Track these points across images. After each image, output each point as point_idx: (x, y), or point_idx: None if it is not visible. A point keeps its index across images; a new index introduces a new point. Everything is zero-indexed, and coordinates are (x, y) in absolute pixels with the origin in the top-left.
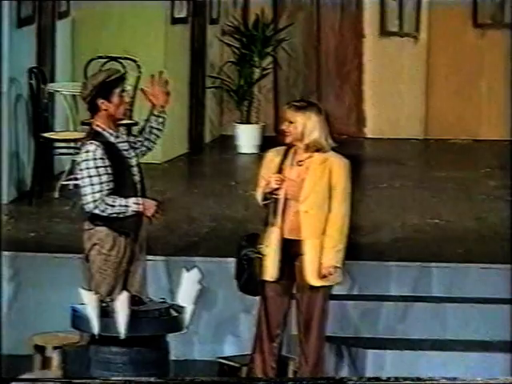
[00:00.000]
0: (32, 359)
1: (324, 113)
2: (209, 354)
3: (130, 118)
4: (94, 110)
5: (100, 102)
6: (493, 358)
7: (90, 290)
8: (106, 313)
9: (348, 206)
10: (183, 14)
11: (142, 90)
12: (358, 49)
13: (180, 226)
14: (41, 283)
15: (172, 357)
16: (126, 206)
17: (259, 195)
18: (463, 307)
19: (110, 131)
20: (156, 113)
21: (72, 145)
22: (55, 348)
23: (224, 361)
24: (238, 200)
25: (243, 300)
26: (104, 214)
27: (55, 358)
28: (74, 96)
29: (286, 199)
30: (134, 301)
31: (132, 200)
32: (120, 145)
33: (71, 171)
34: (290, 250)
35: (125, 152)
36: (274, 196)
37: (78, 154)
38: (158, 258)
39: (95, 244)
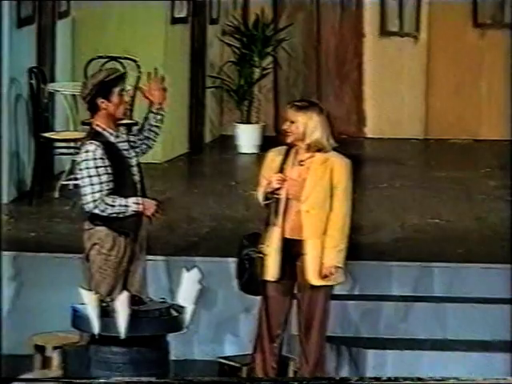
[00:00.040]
0: (32, 359)
1: (325, 113)
2: (209, 353)
3: (130, 117)
4: (93, 109)
5: (100, 101)
6: (493, 358)
7: (90, 290)
8: (106, 313)
9: (349, 205)
10: (183, 14)
11: (139, 88)
12: (358, 49)
13: (180, 226)
14: (41, 283)
15: (172, 357)
16: (126, 205)
17: (260, 195)
18: (463, 307)
19: (110, 131)
20: (154, 110)
21: (72, 145)
22: (55, 348)
23: (224, 361)
24: (238, 200)
25: (243, 300)
26: (104, 214)
27: (55, 357)
28: (74, 96)
29: (287, 199)
30: (134, 300)
31: (132, 200)
32: (120, 145)
33: (71, 171)
34: (292, 250)
35: (125, 152)
36: (275, 196)
37: (78, 153)
38: (158, 257)
39: (95, 244)
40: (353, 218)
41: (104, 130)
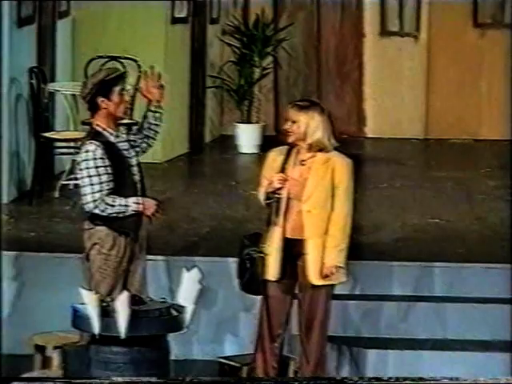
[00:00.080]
0: (32, 359)
1: (327, 112)
2: (209, 353)
3: (131, 117)
4: (94, 109)
5: (100, 100)
6: (494, 358)
7: (90, 290)
8: (106, 312)
9: (350, 205)
10: (183, 14)
11: (138, 88)
12: (359, 48)
13: (180, 226)
14: (41, 283)
15: (172, 356)
16: (126, 205)
17: (262, 195)
18: (464, 307)
19: (110, 131)
20: (152, 108)
21: (72, 144)
22: (55, 348)
23: (224, 360)
24: (238, 200)
25: (243, 299)
26: (104, 214)
27: (55, 357)
28: (74, 96)
29: (288, 199)
30: (135, 300)
31: (132, 199)
32: (120, 144)
33: (71, 171)
34: (293, 250)
35: (125, 152)
36: (276, 196)
37: (78, 153)
38: (158, 257)
39: (95, 243)
40: (353, 217)
41: (104, 129)
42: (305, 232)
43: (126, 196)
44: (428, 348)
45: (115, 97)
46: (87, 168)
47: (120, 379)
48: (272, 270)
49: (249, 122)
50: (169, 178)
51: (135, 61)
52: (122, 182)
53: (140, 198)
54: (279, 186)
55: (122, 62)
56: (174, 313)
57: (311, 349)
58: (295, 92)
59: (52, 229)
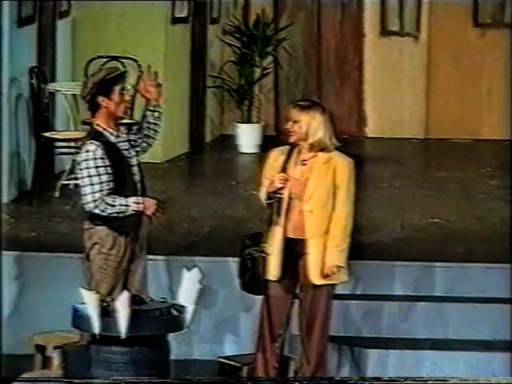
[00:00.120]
0: (33, 359)
1: (328, 112)
2: (209, 353)
3: (131, 117)
4: (94, 108)
5: (100, 99)
6: (495, 358)
7: (90, 290)
8: (106, 312)
9: (352, 205)
10: (184, 14)
11: (133, 87)
12: (359, 48)
13: (180, 226)
14: (41, 283)
15: (173, 356)
16: (126, 205)
17: (263, 194)
18: (464, 307)
19: (111, 131)
20: (151, 108)
21: (73, 144)
22: (56, 348)
23: (225, 360)
24: (238, 200)
25: (244, 299)
26: (104, 214)
27: (56, 357)
28: (74, 95)
29: (289, 198)
30: (135, 300)
31: (132, 199)
32: (120, 144)
33: (72, 171)
34: (294, 250)
35: (125, 152)
36: (277, 195)
37: (78, 153)
38: (158, 257)
39: (95, 243)
40: (354, 217)
41: (104, 129)
42: (306, 232)
43: (126, 196)
44: (429, 348)
45: (116, 96)
46: (87, 168)
47: (120, 379)
48: (273, 270)
49: (249, 121)
50: (169, 178)
51: (135, 61)
52: (122, 181)
53: (140, 197)
54: (280, 185)
55: (122, 62)
56: (175, 313)
57: (312, 349)
58: (295, 92)
59: (52, 229)
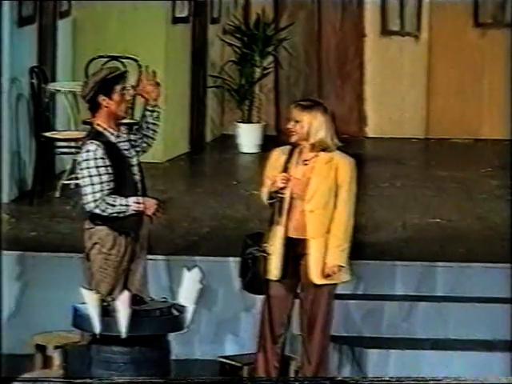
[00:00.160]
0: (33, 359)
1: (330, 112)
2: (210, 353)
3: (132, 117)
4: (94, 108)
5: (101, 98)
6: (495, 358)
7: (90, 290)
8: (107, 312)
9: (353, 205)
10: (184, 14)
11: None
12: (359, 48)
13: (181, 226)
14: (42, 282)
15: (173, 356)
16: (127, 205)
17: (264, 194)
18: (465, 307)
19: (111, 131)
20: (150, 108)
21: (73, 144)
22: (56, 347)
23: (225, 360)
24: (238, 199)
25: (244, 299)
26: (105, 214)
27: (56, 357)
28: (75, 95)
29: (291, 198)
30: (136, 300)
31: (132, 199)
32: (121, 144)
33: (72, 171)
34: (295, 249)
35: (125, 151)
36: (279, 195)
37: (78, 153)
38: (158, 257)
39: (96, 243)
40: (355, 217)
41: (105, 129)
42: (307, 232)
43: (127, 196)
44: (429, 348)
45: (116, 96)
46: (88, 168)
47: (121, 379)
48: (274, 270)
49: (249, 121)
50: (169, 178)
51: (136, 60)
52: (122, 181)
53: (140, 197)
54: (282, 185)
55: (122, 62)
56: (175, 312)
57: (313, 349)
58: (296, 92)
59: (53, 228)
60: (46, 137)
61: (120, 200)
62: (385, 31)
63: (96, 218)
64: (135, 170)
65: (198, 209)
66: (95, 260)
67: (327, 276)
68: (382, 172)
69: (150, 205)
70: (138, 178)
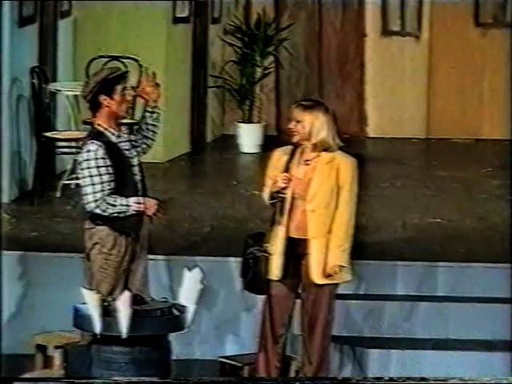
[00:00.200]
0: (33, 359)
1: (331, 112)
2: (210, 353)
3: (132, 117)
4: (95, 108)
5: (102, 98)
6: (496, 358)
7: (91, 290)
8: (107, 312)
9: (354, 205)
10: (185, 14)
11: (133, 88)
12: (360, 48)
13: (181, 226)
14: (42, 282)
15: (173, 356)
16: (127, 205)
17: (266, 194)
18: (466, 307)
19: (112, 131)
20: (149, 109)
21: (74, 144)
22: (57, 347)
23: (225, 360)
24: (239, 199)
25: (245, 299)
26: (105, 214)
27: (57, 357)
28: (75, 95)
29: (292, 198)
30: (136, 300)
31: (133, 199)
32: (121, 144)
33: (73, 171)
34: (296, 249)
35: (126, 152)
36: (280, 195)
37: (79, 153)
38: (159, 257)
39: (96, 243)
40: (355, 217)
41: (105, 129)
42: (308, 231)
43: (127, 196)
44: (430, 348)
45: (117, 95)
46: (88, 168)
47: (121, 379)
48: (275, 270)
49: (250, 121)
50: (170, 178)
51: (136, 60)
52: (122, 181)
53: (141, 198)
54: (284, 185)
55: (123, 62)
56: (176, 312)
57: (314, 349)
58: (297, 92)
59: (53, 229)
60: (46, 137)
61: (120, 200)
62: (385, 31)
63: (96, 218)
64: (136, 170)
65: (198, 209)
66: (96, 260)
67: (328, 276)
68: (382, 172)
69: (151, 205)
70: (138, 178)
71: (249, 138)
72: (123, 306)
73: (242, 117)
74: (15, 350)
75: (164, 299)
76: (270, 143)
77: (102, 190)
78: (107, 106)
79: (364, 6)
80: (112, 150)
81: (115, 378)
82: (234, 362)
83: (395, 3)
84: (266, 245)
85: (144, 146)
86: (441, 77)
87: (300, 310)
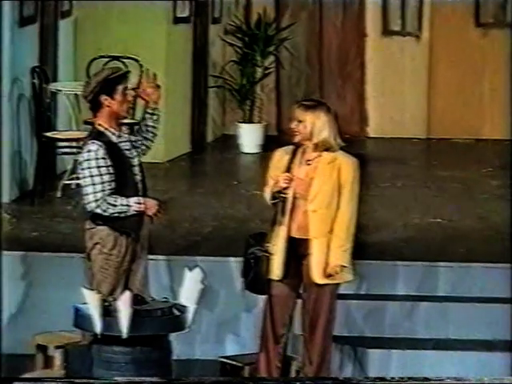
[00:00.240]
0: (34, 359)
1: (333, 112)
2: (211, 353)
3: (133, 117)
4: (96, 108)
5: (103, 98)
6: (496, 358)
7: (92, 290)
8: (108, 312)
9: (355, 205)
10: (185, 14)
11: (134, 89)
12: (361, 48)
13: (182, 226)
14: (43, 282)
15: (174, 356)
16: (128, 205)
17: (268, 194)
18: (467, 307)
19: (112, 131)
20: (150, 111)
21: (74, 144)
22: (57, 347)
23: (226, 360)
24: (240, 199)
25: (245, 299)
26: (106, 214)
27: (57, 357)
28: (76, 95)
29: (294, 198)
30: (137, 300)
31: (133, 199)
32: (122, 144)
33: (73, 171)
34: (298, 249)
35: (127, 152)
36: (282, 195)
37: (80, 153)
38: (160, 257)
39: (96, 243)
40: (356, 217)
41: (106, 129)
42: (310, 231)
43: (127, 196)
44: (431, 348)
45: (118, 95)
46: (89, 168)
47: (122, 379)
48: (276, 270)
49: (251, 121)
50: (171, 178)
51: (137, 60)
52: (123, 181)
53: (141, 198)
54: (285, 185)
55: (123, 62)
56: (176, 312)
57: (314, 349)
58: (297, 92)
59: (54, 229)
60: (47, 137)
61: (121, 200)
62: (386, 31)
63: (97, 218)
64: (136, 170)
65: (199, 209)
66: (96, 260)
67: (329, 276)
68: (383, 172)
69: (151, 205)
70: (138, 178)
71: (249, 137)
72: (124, 305)
73: (242, 117)
74: (15, 350)
75: (164, 299)
76: (270, 143)
77: (103, 190)
78: (108, 106)
79: (364, 5)
80: (112, 150)
81: (116, 378)
82: (234, 362)
83: (396, 3)
84: (268, 245)
85: (143, 147)
86: (441, 77)
87: (301, 310)
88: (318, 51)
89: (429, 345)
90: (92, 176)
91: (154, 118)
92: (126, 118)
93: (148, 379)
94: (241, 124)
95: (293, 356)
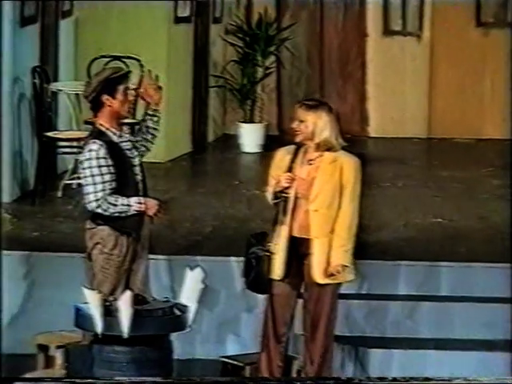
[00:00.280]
0: (35, 358)
1: (334, 112)
2: (212, 353)
3: (134, 117)
4: (97, 107)
5: (105, 98)
6: (496, 358)
7: (92, 289)
8: (109, 312)
9: (357, 205)
10: (186, 14)
11: (135, 90)
12: (361, 48)
13: (183, 225)
14: (43, 282)
15: (175, 356)
16: (129, 205)
17: (269, 194)
18: (468, 306)
19: (113, 130)
20: (151, 112)
21: (75, 144)
22: (58, 347)
23: (227, 360)
24: (241, 199)
25: (246, 299)
26: (106, 214)
27: (58, 357)
28: (77, 95)
29: (295, 198)
30: (138, 300)
31: (134, 199)
32: (123, 144)
33: (74, 170)
34: (299, 249)
35: (127, 151)
36: (284, 195)
37: (81, 153)
38: (161, 257)
39: (97, 243)
40: (358, 217)
41: (107, 129)
42: (311, 231)
43: (128, 196)
44: (432, 347)
45: (120, 95)
46: (90, 167)
47: (123, 379)
48: (277, 269)
49: (252, 121)
50: (171, 178)
51: (138, 60)
52: (124, 181)
53: (142, 198)
54: (287, 185)
55: (124, 62)
56: (177, 312)
57: (316, 349)
58: (298, 91)
59: (55, 228)
60: (48, 136)
61: (122, 200)
62: (387, 31)
63: (98, 218)
64: (137, 170)
65: (199, 209)
66: (97, 260)
67: (331, 275)
68: (383, 172)
69: (152, 205)
70: (139, 177)
71: (250, 137)
72: (125, 305)
73: (243, 116)
74: (16, 350)
75: (165, 299)
76: (271, 143)
77: (104, 190)
78: (109, 106)
79: (365, 5)
80: (113, 149)
81: (117, 378)
82: (235, 362)
83: (396, 3)
84: (269, 244)
85: (143, 148)
86: (442, 76)
87: (302, 310)
88: (319, 51)
89: (430, 344)
90: (93, 175)
91: (155, 119)
92: (126, 117)
93: (149, 379)
94: (242, 124)
95: (294, 356)
